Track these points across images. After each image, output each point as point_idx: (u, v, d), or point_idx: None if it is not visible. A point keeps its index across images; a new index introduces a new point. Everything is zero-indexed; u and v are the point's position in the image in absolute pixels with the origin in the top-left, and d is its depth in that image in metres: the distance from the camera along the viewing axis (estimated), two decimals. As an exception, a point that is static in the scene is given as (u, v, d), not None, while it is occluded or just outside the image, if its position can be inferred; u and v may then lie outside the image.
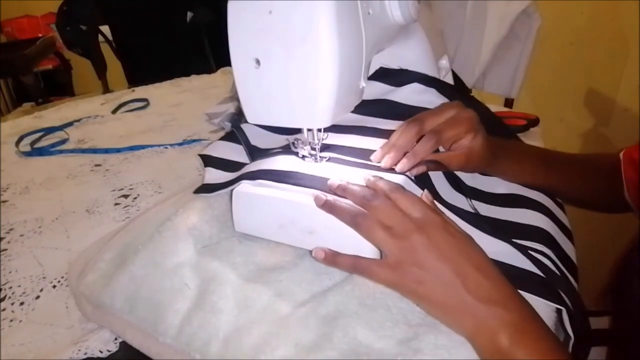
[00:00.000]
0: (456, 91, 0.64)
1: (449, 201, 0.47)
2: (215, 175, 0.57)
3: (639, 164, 0.54)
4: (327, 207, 0.41)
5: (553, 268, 0.44)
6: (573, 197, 0.59)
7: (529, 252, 0.44)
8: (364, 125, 0.58)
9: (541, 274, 0.42)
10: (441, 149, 0.51)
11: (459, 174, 0.53)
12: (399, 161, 0.46)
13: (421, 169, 0.46)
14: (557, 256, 0.47)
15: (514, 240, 0.46)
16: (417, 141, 0.47)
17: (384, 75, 0.63)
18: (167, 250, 0.46)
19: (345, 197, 0.42)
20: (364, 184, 0.43)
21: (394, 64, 0.63)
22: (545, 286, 0.41)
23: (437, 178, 0.50)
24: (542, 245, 0.47)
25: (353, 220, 0.40)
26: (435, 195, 0.47)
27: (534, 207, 0.53)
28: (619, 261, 0.56)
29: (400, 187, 0.42)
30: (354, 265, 0.40)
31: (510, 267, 0.43)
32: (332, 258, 0.41)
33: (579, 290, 0.48)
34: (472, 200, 0.52)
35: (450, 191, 0.51)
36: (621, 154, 0.57)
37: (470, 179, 0.55)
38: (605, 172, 0.58)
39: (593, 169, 0.59)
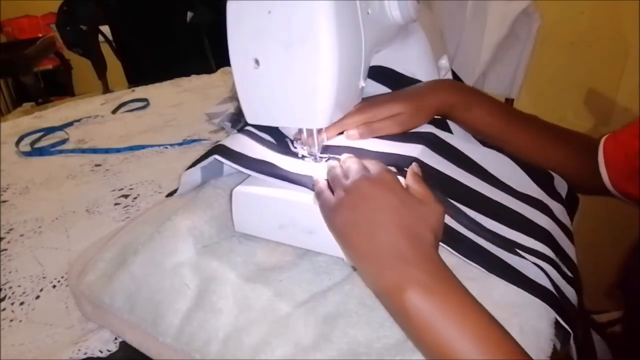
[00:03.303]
0: None
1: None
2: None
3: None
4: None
5: (551, 273, 0.44)
6: (541, 162, 0.59)
7: (528, 255, 0.44)
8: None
9: (540, 282, 0.42)
10: None
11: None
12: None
13: (357, 134, 0.53)
14: (558, 256, 0.47)
15: (515, 237, 0.46)
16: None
17: (381, 74, 0.63)
18: (167, 250, 0.46)
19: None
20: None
21: (395, 65, 0.63)
22: (539, 289, 0.42)
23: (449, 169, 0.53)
24: (544, 246, 0.47)
25: (328, 173, 0.45)
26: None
27: (537, 207, 0.53)
28: (627, 255, 0.56)
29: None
30: (318, 193, 0.43)
31: (509, 267, 0.43)
32: (316, 184, 0.44)
33: (582, 292, 0.48)
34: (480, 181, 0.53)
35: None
36: (603, 139, 0.56)
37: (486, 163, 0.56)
38: (580, 147, 0.58)
39: (566, 140, 0.59)
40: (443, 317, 0.34)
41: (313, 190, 0.45)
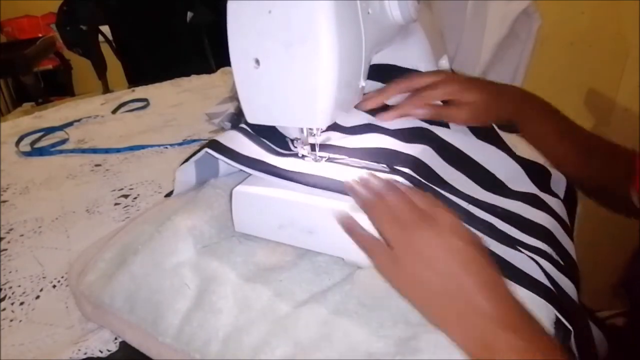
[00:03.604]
0: None
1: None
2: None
3: None
4: (347, 187, 0.42)
5: (550, 270, 0.44)
6: (582, 176, 0.57)
7: (526, 252, 0.44)
8: (368, 124, 0.57)
9: (539, 279, 0.42)
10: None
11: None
12: (378, 105, 0.51)
13: (424, 112, 0.51)
14: (557, 253, 0.47)
15: (515, 235, 0.46)
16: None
17: (374, 71, 0.61)
18: (167, 250, 0.46)
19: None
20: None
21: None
22: (539, 286, 0.42)
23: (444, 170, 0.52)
24: (543, 243, 0.47)
25: (364, 204, 0.40)
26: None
27: (535, 205, 0.52)
28: (633, 253, 0.55)
29: (410, 186, 0.42)
30: (361, 239, 0.39)
31: (509, 265, 0.43)
32: (350, 225, 0.40)
33: (580, 287, 0.48)
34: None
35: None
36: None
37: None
38: (623, 161, 0.55)
39: (609, 153, 0.57)
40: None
41: (305, 184, 0.44)
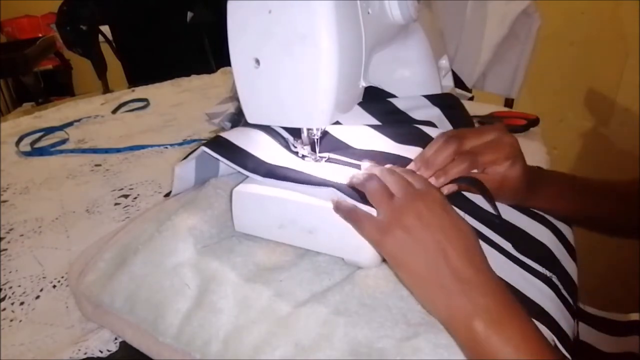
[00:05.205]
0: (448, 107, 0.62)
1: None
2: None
3: None
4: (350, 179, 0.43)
5: (550, 297, 0.43)
6: (601, 225, 0.55)
7: (533, 276, 0.43)
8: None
9: (540, 304, 0.42)
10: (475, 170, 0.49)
11: None
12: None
13: (452, 187, 0.46)
14: (558, 277, 0.46)
15: (513, 253, 0.45)
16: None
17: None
18: (167, 250, 0.46)
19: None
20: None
21: (393, 66, 0.63)
22: (543, 315, 0.41)
23: None
24: (542, 267, 0.45)
25: (362, 184, 0.42)
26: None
27: (540, 220, 0.51)
28: None
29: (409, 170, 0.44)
30: (351, 212, 0.41)
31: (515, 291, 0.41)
32: (337, 204, 0.42)
33: (581, 295, 0.47)
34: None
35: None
36: None
37: None
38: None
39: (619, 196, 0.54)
40: (507, 346, 0.34)
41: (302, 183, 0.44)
